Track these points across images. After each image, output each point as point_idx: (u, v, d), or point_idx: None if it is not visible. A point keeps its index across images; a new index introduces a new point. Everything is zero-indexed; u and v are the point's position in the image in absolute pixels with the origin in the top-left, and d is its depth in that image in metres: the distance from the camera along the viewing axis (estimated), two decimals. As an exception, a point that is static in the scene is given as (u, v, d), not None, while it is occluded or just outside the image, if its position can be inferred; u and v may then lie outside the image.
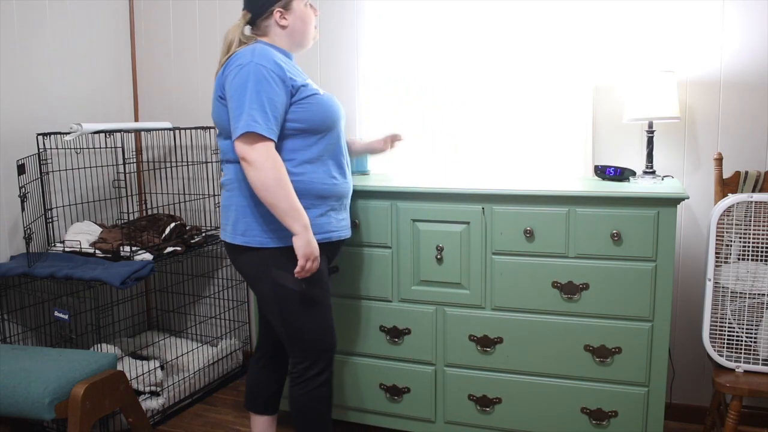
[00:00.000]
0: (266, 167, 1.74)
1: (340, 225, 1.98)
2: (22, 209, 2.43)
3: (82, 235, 2.63)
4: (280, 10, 1.92)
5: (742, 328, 1.99)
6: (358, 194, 2.25)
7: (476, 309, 2.18)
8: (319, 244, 1.85)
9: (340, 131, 1.96)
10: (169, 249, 2.63)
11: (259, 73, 1.77)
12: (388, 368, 2.31)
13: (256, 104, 1.75)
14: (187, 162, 3.01)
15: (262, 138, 1.75)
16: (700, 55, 2.37)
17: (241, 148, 1.75)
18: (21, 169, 2.41)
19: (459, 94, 2.62)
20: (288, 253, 1.83)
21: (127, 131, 2.62)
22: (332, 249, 2.02)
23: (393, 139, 2.37)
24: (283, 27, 1.94)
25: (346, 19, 2.78)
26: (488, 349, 2.18)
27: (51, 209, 2.60)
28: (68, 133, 2.48)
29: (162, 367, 2.78)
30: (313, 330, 1.94)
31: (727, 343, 2.01)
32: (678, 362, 2.49)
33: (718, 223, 1.99)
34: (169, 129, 2.83)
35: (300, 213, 1.78)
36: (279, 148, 1.83)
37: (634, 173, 2.25)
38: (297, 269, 1.80)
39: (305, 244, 1.78)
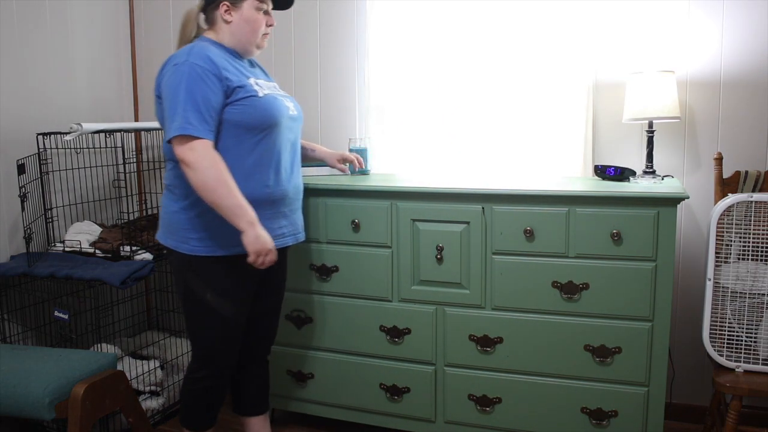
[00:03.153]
0: (204, 167, 1.71)
1: (274, 234, 1.88)
2: (22, 209, 2.44)
3: (82, 234, 2.63)
4: (227, 4, 1.87)
5: (742, 328, 1.99)
6: (359, 194, 2.25)
7: (476, 309, 2.18)
8: (240, 255, 1.80)
9: (278, 135, 1.88)
10: (169, 249, 2.63)
11: (194, 73, 1.73)
12: (388, 368, 2.31)
13: (191, 105, 1.71)
14: (187, 162, 3.01)
15: (198, 138, 1.72)
16: (700, 55, 2.37)
17: (178, 150, 1.72)
18: (21, 169, 2.41)
19: (459, 93, 2.62)
20: (200, 262, 1.84)
21: (127, 131, 2.62)
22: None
23: (346, 160, 2.30)
24: (227, 22, 1.88)
25: (347, 20, 2.78)
26: (488, 349, 2.18)
27: (51, 209, 2.60)
28: (68, 133, 2.48)
29: (162, 367, 2.78)
30: (206, 338, 1.94)
31: (727, 343, 2.01)
32: (678, 362, 2.49)
33: (718, 223, 1.99)
34: (169, 129, 2.83)
35: (244, 210, 1.74)
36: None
37: (634, 173, 2.25)
38: (250, 260, 1.78)
39: (253, 241, 1.75)
